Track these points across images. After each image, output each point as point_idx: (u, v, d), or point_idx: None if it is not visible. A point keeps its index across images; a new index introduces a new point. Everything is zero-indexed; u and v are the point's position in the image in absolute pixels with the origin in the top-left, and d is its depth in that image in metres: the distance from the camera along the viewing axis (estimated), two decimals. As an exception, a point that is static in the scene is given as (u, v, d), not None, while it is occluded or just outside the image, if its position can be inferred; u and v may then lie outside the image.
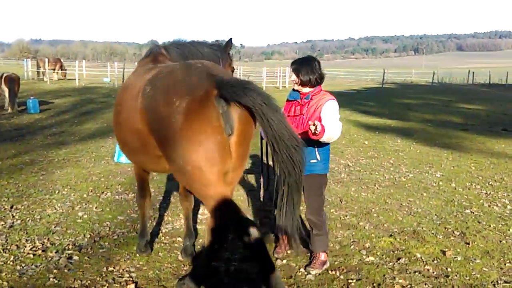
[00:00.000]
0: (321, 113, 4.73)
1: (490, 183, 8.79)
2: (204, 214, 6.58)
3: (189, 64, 3.87)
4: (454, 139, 13.99)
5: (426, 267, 5.07)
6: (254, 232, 3.61)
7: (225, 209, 3.64)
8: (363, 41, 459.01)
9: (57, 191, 7.30)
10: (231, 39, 5.37)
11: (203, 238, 5.68)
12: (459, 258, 5.29)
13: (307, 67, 4.84)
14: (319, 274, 4.85)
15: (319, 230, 5.00)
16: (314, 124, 4.43)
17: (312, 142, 4.75)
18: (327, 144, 4.86)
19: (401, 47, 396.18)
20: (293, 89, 5.04)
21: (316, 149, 4.86)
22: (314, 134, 4.47)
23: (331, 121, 4.65)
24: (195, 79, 3.61)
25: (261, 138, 5.15)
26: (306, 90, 4.90)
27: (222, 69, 4.14)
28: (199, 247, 5.47)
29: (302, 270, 4.94)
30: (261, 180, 5.34)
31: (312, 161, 4.87)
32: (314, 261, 5.02)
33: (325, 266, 5.00)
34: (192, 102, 3.46)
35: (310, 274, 4.87)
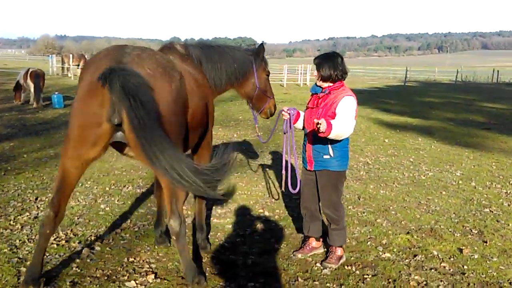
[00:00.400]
0: (336, 108, 4.77)
1: (511, 182, 8.72)
2: (223, 208, 6.69)
3: (121, 48, 3.93)
4: (476, 138, 13.86)
5: (443, 264, 5.09)
6: None
7: None
8: (386, 38, 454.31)
9: (80, 184, 7.48)
10: (262, 43, 5.59)
11: (221, 232, 5.80)
12: (476, 256, 5.30)
13: (329, 62, 4.88)
14: (335, 269, 4.91)
15: (337, 225, 5.05)
16: (319, 123, 4.47)
17: (326, 138, 4.81)
18: (341, 140, 4.88)
19: (425, 45, 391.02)
20: (315, 84, 5.11)
21: (329, 145, 4.89)
22: (319, 131, 4.52)
23: (343, 118, 4.70)
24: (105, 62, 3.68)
25: (284, 132, 5.21)
26: (326, 85, 4.94)
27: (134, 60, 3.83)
28: (217, 240, 5.57)
29: (318, 264, 5.00)
30: (283, 175, 5.38)
31: (325, 156, 4.92)
32: (331, 256, 5.08)
33: (342, 261, 5.05)
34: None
35: (326, 269, 4.93)
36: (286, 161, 5.21)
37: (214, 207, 6.72)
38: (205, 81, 4.91)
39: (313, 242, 5.30)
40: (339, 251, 5.08)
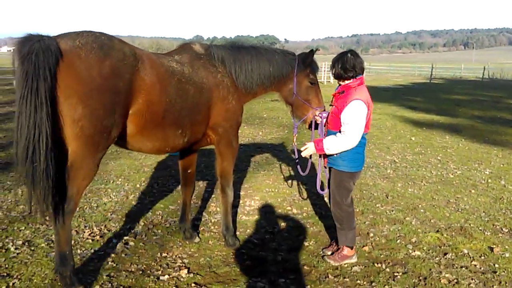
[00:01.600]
0: (342, 114, 4.74)
1: (541, 181, 8.60)
2: (252, 206, 6.77)
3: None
4: (504, 136, 13.66)
5: (473, 262, 5.08)
6: None
7: None
8: (410, 35, 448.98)
9: (111, 181, 7.65)
10: (312, 50, 5.36)
11: (250, 229, 5.88)
12: (507, 255, 5.27)
13: (338, 61, 4.87)
14: (364, 266, 4.94)
15: (340, 224, 5.03)
16: (301, 150, 4.85)
17: (334, 135, 4.85)
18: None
19: (450, 41, 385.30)
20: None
21: None
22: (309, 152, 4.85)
23: (343, 130, 4.70)
24: None
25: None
26: (342, 83, 4.93)
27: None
28: (246, 237, 5.65)
29: (347, 261, 5.02)
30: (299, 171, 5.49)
31: (335, 155, 4.94)
32: (336, 253, 5.11)
33: (347, 261, 5.02)
34: None
35: (328, 261, 5.02)
36: (314, 164, 5.30)
37: (243, 205, 6.81)
38: (213, 81, 4.82)
39: (345, 250, 5.11)
40: (345, 251, 5.05)
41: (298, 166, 5.69)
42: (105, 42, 3.86)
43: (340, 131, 4.78)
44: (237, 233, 5.74)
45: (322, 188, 5.34)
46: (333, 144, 4.73)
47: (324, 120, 5.08)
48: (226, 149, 5.12)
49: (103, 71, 3.71)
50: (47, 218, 4.07)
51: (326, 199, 6.98)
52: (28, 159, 3.50)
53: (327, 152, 4.80)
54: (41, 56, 3.44)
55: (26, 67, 3.45)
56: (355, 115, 4.67)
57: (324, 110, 5.26)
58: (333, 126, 4.89)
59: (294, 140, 5.67)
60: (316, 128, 5.29)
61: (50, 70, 3.47)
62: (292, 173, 8.54)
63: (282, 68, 5.26)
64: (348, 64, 4.78)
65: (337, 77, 4.90)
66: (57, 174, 4.06)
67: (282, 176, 8.37)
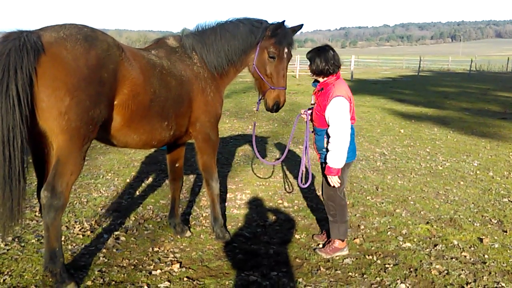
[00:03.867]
0: (325, 112, 4.75)
1: (529, 172, 8.69)
2: (243, 199, 6.77)
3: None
4: (492, 128, 13.78)
5: (463, 253, 5.13)
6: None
7: None
8: (398, 28, 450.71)
9: (101, 176, 7.61)
10: (284, 21, 4.83)
11: (242, 222, 5.88)
12: (496, 246, 5.32)
13: (320, 56, 4.81)
14: (356, 259, 4.96)
15: (332, 217, 5.05)
16: (332, 182, 4.84)
17: (322, 131, 4.88)
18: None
19: (437, 34, 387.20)
20: (315, 80, 5.08)
21: (325, 139, 4.91)
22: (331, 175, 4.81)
23: (333, 133, 4.70)
24: None
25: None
26: (321, 79, 4.92)
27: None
28: (238, 230, 5.65)
29: (339, 253, 5.05)
30: (301, 171, 5.45)
31: (323, 149, 4.96)
32: (327, 245, 5.13)
33: (338, 254, 5.04)
34: None
35: (319, 254, 5.04)
36: (304, 160, 5.31)
37: (233, 198, 6.81)
38: (191, 74, 4.76)
39: (336, 242, 5.13)
40: (336, 243, 5.07)
41: (300, 175, 5.48)
42: (89, 34, 3.83)
43: (327, 132, 4.81)
44: (229, 227, 5.74)
45: (304, 182, 5.35)
46: (336, 156, 4.72)
47: (309, 117, 5.10)
48: (204, 143, 5.05)
49: (89, 62, 3.68)
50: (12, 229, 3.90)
51: (317, 193, 7.01)
52: (4, 162, 3.47)
53: (340, 164, 4.77)
54: (13, 56, 3.39)
55: None
56: (339, 113, 4.67)
57: (285, 88, 5.02)
58: (319, 124, 4.92)
59: (256, 115, 5.50)
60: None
61: (25, 69, 3.39)
62: (283, 166, 8.55)
63: (246, 39, 4.91)
64: (331, 61, 4.76)
65: (318, 73, 4.86)
66: (42, 170, 4.05)
67: (272, 170, 8.37)
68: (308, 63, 4.96)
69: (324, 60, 4.77)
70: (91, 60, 3.70)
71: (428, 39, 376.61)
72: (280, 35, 4.85)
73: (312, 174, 5.45)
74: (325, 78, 4.87)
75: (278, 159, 5.41)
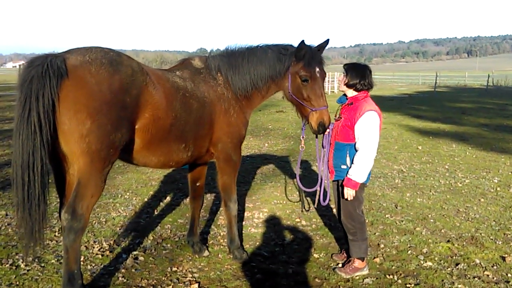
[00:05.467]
0: (355, 125, 4.74)
1: (551, 189, 8.54)
2: (260, 218, 6.75)
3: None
4: (511, 144, 13.60)
5: (486, 272, 5.04)
6: None
7: None
8: (413, 44, 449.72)
9: (119, 195, 7.65)
10: (303, 41, 4.76)
11: (260, 241, 5.85)
12: (520, 265, 5.22)
13: (358, 70, 4.89)
14: (376, 278, 4.90)
15: (352, 236, 4.99)
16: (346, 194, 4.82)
17: (344, 147, 4.85)
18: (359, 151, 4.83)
19: (453, 49, 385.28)
20: (343, 94, 5.10)
21: (347, 154, 4.88)
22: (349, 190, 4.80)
23: (362, 142, 4.70)
24: None
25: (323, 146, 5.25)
26: (350, 93, 4.95)
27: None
28: (256, 249, 5.62)
29: (359, 273, 4.98)
30: (318, 190, 5.41)
31: (343, 166, 4.92)
32: (346, 265, 5.06)
33: (358, 273, 4.97)
34: None
35: (339, 274, 4.97)
36: (321, 177, 5.26)
37: (251, 217, 6.79)
38: (214, 95, 4.80)
39: (356, 262, 5.05)
40: (356, 263, 5.00)
41: (320, 194, 5.38)
42: (114, 58, 3.90)
43: (354, 146, 4.80)
44: (246, 246, 5.72)
45: (324, 199, 5.32)
46: (361, 169, 4.72)
47: (329, 131, 5.05)
48: (225, 163, 5.07)
49: (112, 86, 3.74)
50: (36, 253, 4.05)
51: (334, 211, 6.95)
52: (23, 186, 3.54)
53: (362, 178, 4.78)
54: (35, 83, 3.48)
55: (22, 96, 3.51)
56: (371, 127, 4.70)
57: (326, 106, 4.89)
58: (343, 138, 4.88)
59: (302, 143, 5.38)
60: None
61: (46, 96, 3.47)
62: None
63: (274, 66, 4.91)
64: (367, 78, 4.84)
65: (351, 86, 4.88)
66: (63, 191, 4.09)
67: (290, 188, 8.35)
68: (342, 75, 5.00)
69: (360, 74, 4.84)
70: (115, 84, 3.75)
71: (444, 55, 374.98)
72: (307, 57, 4.79)
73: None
74: (356, 93, 4.90)
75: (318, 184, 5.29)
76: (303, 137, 5.35)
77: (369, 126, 4.70)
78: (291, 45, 5.00)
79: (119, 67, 3.86)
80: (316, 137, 5.32)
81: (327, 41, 5.00)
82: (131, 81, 3.91)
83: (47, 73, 3.49)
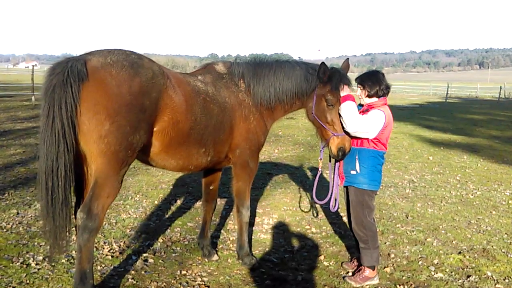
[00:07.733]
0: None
1: None
2: (270, 224, 6.73)
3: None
4: (524, 157, 13.49)
5: (498, 285, 4.99)
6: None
7: None
8: (425, 54, 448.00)
9: (130, 197, 7.67)
10: (323, 63, 4.78)
11: (269, 248, 5.83)
12: (532, 279, 5.16)
13: (372, 78, 4.90)
14: (386, 288, 4.86)
15: (364, 244, 4.96)
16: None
17: (354, 151, 4.85)
18: (371, 157, 4.85)
19: (465, 61, 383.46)
20: (359, 104, 5.09)
21: (357, 160, 4.87)
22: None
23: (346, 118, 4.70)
24: None
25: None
26: (369, 101, 4.94)
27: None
28: (265, 256, 5.60)
29: (369, 282, 4.95)
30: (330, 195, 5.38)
31: (352, 172, 4.92)
32: (357, 274, 5.02)
33: (368, 283, 4.92)
34: None
35: (349, 282, 4.93)
36: (332, 185, 5.27)
37: (260, 223, 6.78)
38: (235, 101, 4.82)
39: (366, 271, 5.01)
40: (367, 272, 4.96)
41: (332, 200, 5.33)
42: (136, 61, 3.94)
43: (364, 151, 4.83)
44: (256, 251, 5.71)
45: (334, 205, 5.30)
46: (346, 114, 4.72)
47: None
48: (242, 170, 5.08)
49: (132, 89, 3.77)
50: (61, 253, 4.12)
51: (345, 219, 6.92)
52: (47, 192, 3.62)
53: (356, 130, 4.74)
54: (57, 92, 3.55)
55: (45, 105, 3.60)
56: (370, 117, 4.73)
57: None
58: (355, 142, 4.90)
59: (320, 164, 5.42)
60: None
61: (69, 103, 3.54)
62: (309, 192, 8.49)
63: (300, 84, 4.92)
64: (383, 82, 4.87)
65: (372, 95, 4.89)
66: (80, 190, 4.12)
67: (300, 194, 8.32)
68: (358, 90, 4.99)
69: (376, 81, 4.86)
70: (134, 87, 3.79)
71: (455, 66, 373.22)
72: (335, 80, 4.76)
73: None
74: (374, 100, 4.90)
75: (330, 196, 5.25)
76: (321, 159, 5.36)
77: (370, 116, 4.74)
78: (316, 67, 4.97)
79: (140, 69, 3.90)
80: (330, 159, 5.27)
81: (347, 60, 5.05)
82: (152, 84, 3.94)
83: (68, 80, 3.55)
